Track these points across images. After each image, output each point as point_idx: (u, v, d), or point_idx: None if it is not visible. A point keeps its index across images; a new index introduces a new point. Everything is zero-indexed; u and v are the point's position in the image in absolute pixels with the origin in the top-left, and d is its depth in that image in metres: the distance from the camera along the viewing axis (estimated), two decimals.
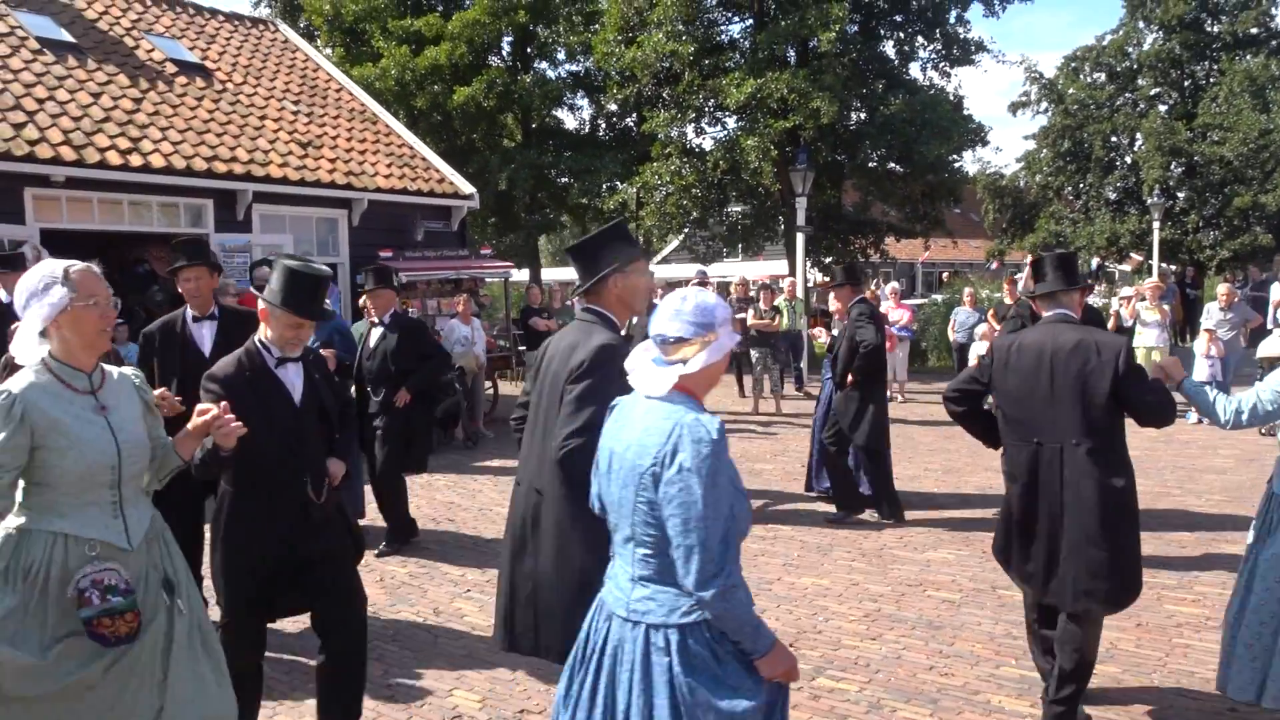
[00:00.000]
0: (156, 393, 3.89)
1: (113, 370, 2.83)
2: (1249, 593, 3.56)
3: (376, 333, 6.45)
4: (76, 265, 2.68)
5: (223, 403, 2.91)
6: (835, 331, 7.51)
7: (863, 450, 6.93)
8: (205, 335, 4.78)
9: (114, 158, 9.72)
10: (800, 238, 16.17)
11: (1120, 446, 3.66)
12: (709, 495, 2.12)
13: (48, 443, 2.58)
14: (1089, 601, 3.59)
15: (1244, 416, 3.58)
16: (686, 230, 21.82)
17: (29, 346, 2.67)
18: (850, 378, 6.77)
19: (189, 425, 2.90)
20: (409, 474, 6.61)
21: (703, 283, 12.18)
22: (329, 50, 21.28)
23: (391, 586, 5.72)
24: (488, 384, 11.59)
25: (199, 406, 2.93)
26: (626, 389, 2.43)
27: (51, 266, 2.65)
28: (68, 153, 9.37)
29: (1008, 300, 11.94)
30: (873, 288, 14.02)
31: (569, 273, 33.77)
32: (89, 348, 2.70)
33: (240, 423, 2.87)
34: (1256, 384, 3.68)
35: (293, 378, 3.39)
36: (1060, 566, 3.64)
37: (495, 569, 5.97)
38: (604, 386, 2.81)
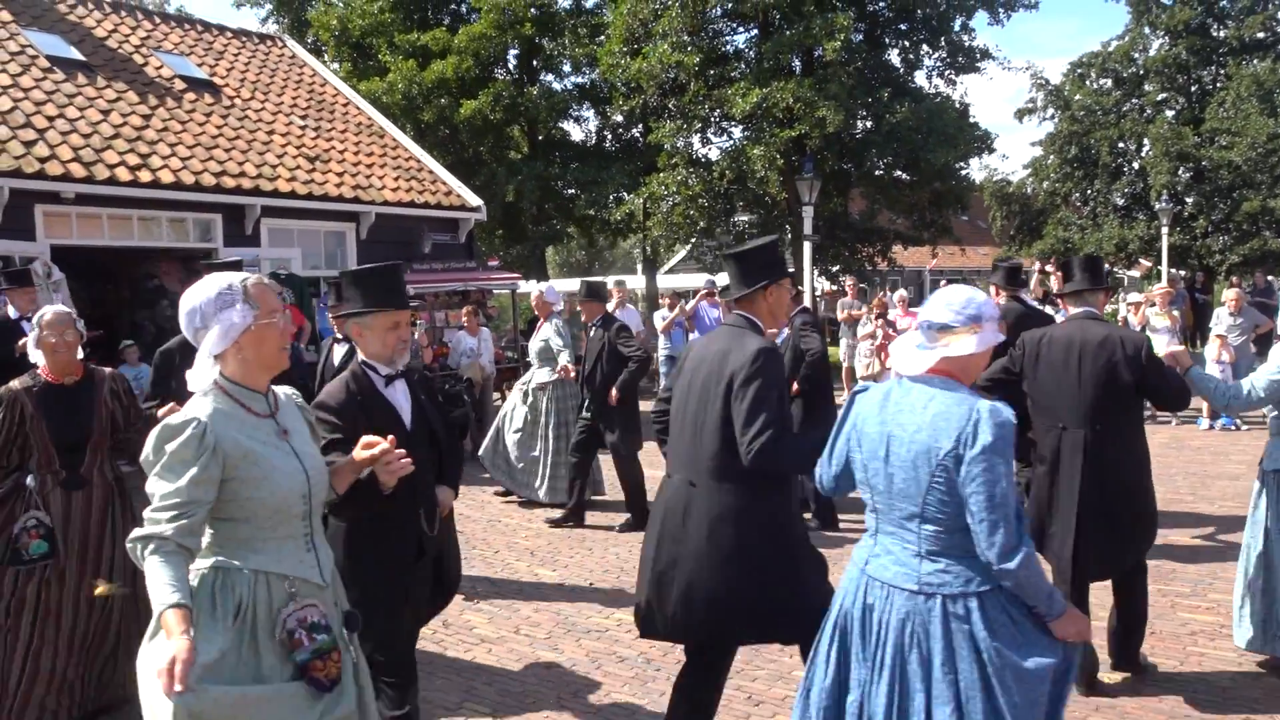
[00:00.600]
0: (167, 409, 3.88)
1: (278, 390, 2.58)
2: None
3: None
4: (250, 278, 2.45)
5: (389, 436, 2.65)
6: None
7: None
8: None
9: (123, 174, 9.78)
10: (807, 246, 16.17)
11: (1139, 430, 4.17)
12: (1009, 473, 2.33)
13: (240, 473, 2.32)
14: (1116, 568, 4.11)
15: (1239, 401, 4.07)
16: (693, 240, 21.84)
17: (205, 370, 2.41)
18: (795, 386, 6.82)
19: (352, 456, 2.66)
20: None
21: (711, 293, 12.17)
22: (336, 65, 21.40)
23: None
24: (496, 395, 11.60)
25: (365, 439, 2.64)
26: (786, 388, 2.78)
27: (225, 280, 2.41)
28: (78, 169, 9.44)
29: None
30: (880, 295, 14.00)
31: (575, 284, 33.78)
32: (269, 369, 2.47)
33: (409, 459, 2.63)
34: (1251, 373, 4.18)
35: (400, 399, 3.23)
36: (1087, 538, 4.00)
37: (506, 580, 5.99)
38: (773, 386, 3.06)
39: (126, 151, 10.08)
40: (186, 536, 2.21)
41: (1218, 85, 27.23)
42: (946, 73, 19.89)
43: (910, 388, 2.53)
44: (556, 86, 22.29)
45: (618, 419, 7.14)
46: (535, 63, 21.99)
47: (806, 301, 14.28)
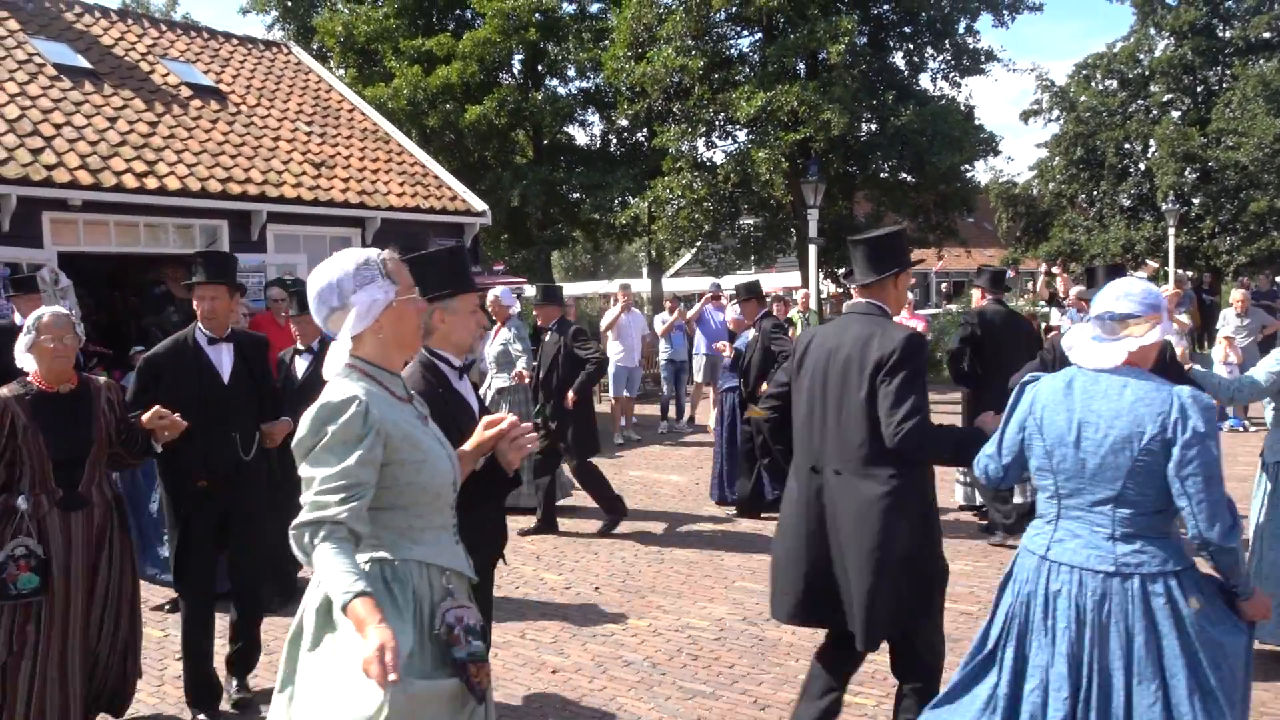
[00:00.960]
0: (152, 411, 3.75)
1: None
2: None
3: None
4: (384, 253, 2.30)
5: (512, 414, 2.55)
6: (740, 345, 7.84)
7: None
8: (224, 359, 4.29)
9: (130, 181, 9.82)
10: (813, 249, 16.15)
11: None
12: (1219, 456, 2.45)
13: (401, 456, 2.17)
14: None
15: (1243, 393, 4.33)
16: (699, 244, 21.83)
17: (343, 350, 2.24)
18: (765, 386, 6.96)
19: (473, 441, 2.50)
20: None
21: (716, 296, 12.17)
22: (341, 71, 21.47)
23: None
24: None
25: (487, 419, 2.52)
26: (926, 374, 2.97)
27: (361, 255, 2.25)
28: (84, 177, 9.48)
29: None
30: None
31: (581, 288, 33.82)
32: (407, 349, 2.35)
33: (535, 435, 2.54)
34: (1252, 369, 4.42)
35: (470, 393, 3.12)
36: None
37: (511, 584, 5.98)
38: (921, 373, 3.13)
39: (133, 158, 10.12)
40: (358, 521, 2.06)
41: (1224, 85, 27.13)
42: (951, 75, 19.85)
43: (1097, 376, 2.61)
44: (561, 91, 22.35)
45: (573, 422, 7.09)
46: (540, 67, 22.03)
47: (812, 304, 14.27)
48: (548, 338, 7.28)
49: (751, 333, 7.34)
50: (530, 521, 7.38)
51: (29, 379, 3.64)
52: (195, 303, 4.29)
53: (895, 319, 3.35)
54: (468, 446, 2.49)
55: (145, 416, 3.77)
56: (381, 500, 2.16)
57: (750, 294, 7.53)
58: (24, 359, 3.64)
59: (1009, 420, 2.81)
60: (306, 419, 2.14)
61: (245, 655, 4.37)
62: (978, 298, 7.19)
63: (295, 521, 2.06)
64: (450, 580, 2.26)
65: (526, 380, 7.63)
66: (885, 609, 3.10)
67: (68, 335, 3.62)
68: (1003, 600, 2.75)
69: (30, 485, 3.54)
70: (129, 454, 3.85)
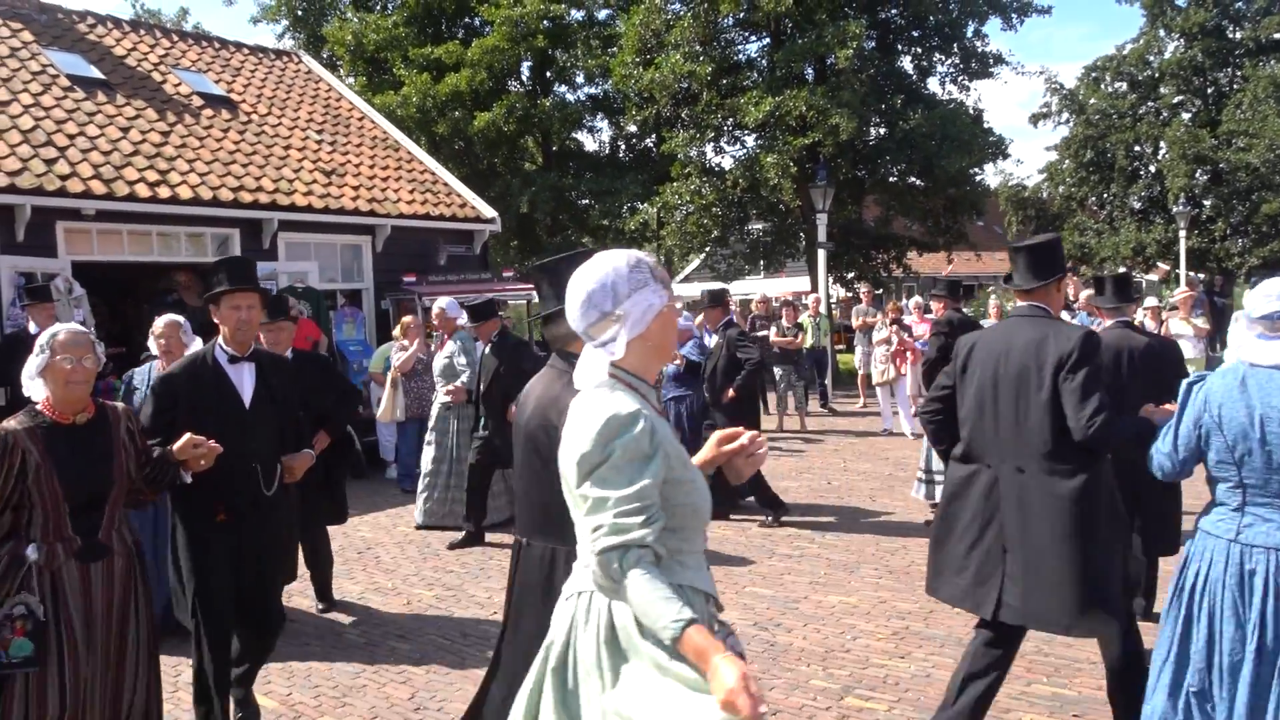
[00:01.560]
0: (185, 439, 3.35)
1: None
2: None
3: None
4: (642, 254, 2.14)
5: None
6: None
7: None
8: (245, 380, 3.84)
9: (143, 190, 9.89)
10: (822, 254, 16.15)
11: None
12: None
13: (675, 475, 2.02)
14: None
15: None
16: (708, 249, 21.84)
17: (602, 359, 2.08)
18: (731, 392, 7.33)
19: (707, 456, 2.34)
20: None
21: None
22: (351, 79, 21.59)
23: (446, 587, 5.74)
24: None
25: (723, 433, 2.35)
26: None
27: (631, 256, 2.10)
28: (98, 186, 9.55)
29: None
30: (895, 302, 13.95)
31: None
32: (664, 359, 2.20)
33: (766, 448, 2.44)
34: None
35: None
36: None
37: None
38: (1101, 369, 3.32)
39: (145, 168, 10.20)
40: (660, 543, 1.90)
41: (1234, 87, 27.04)
42: (960, 79, 19.83)
43: (1271, 374, 2.84)
44: (570, 98, 22.43)
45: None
46: (548, 74, 22.13)
47: (822, 309, 14.26)
48: (487, 350, 7.05)
49: (714, 339, 7.62)
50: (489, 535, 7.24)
51: (38, 407, 3.08)
52: (223, 314, 3.82)
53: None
54: (699, 461, 2.30)
55: (177, 446, 3.36)
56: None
57: (715, 301, 7.79)
58: (33, 385, 3.09)
59: (1182, 418, 3.03)
60: (588, 435, 1.96)
61: (248, 674, 4.11)
62: (937, 308, 7.71)
63: (600, 547, 1.90)
64: (712, 605, 2.12)
65: (464, 399, 7.48)
66: (1087, 595, 3.24)
67: (87, 357, 3.08)
68: (1189, 585, 2.97)
69: (42, 534, 2.99)
70: (151, 490, 3.39)
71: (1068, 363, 3.26)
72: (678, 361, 7.94)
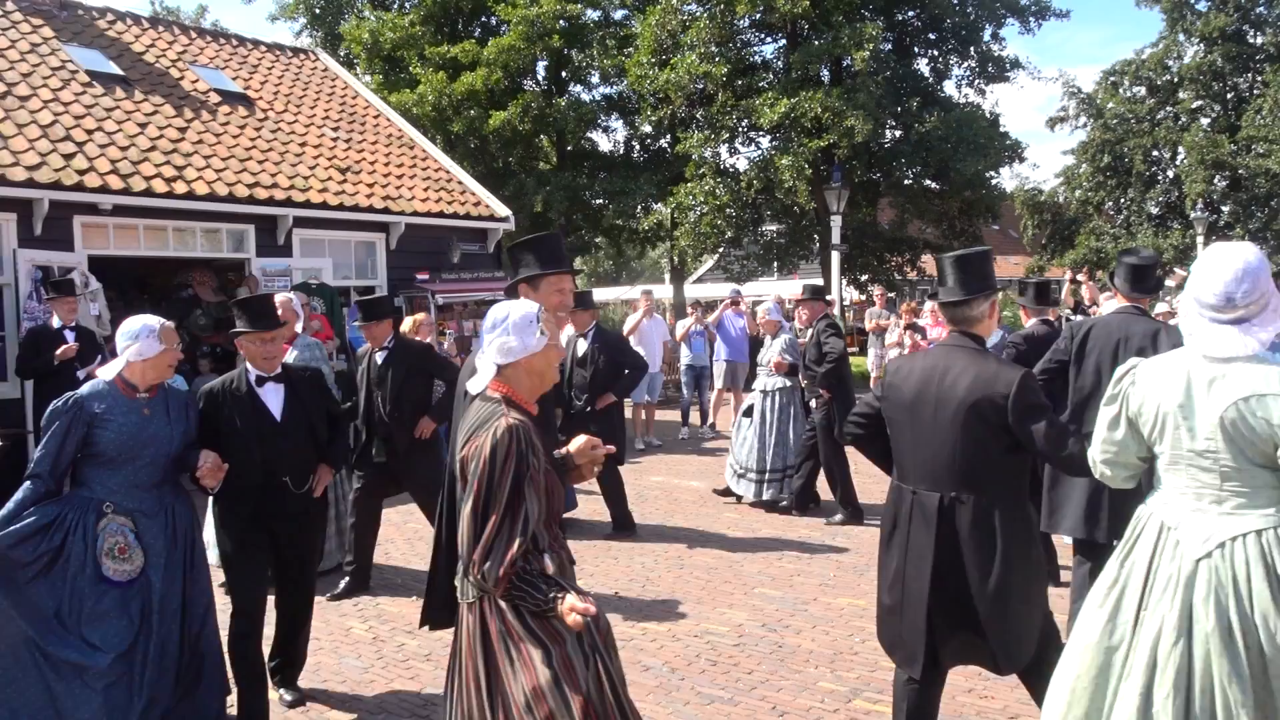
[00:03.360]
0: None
1: None
2: None
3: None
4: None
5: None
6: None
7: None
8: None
9: (159, 185, 9.96)
10: (836, 256, 16.12)
11: None
12: None
13: None
14: None
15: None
16: (721, 250, 21.83)
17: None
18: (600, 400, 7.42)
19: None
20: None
21: (735, 302, 12.15)
22: (367, 77, 21.67)
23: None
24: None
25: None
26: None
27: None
28: (115, 181, 9.62)
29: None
30: (909, 304, 13.90)
31: (604, 293, 33.86)
32: None
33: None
34: None
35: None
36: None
37: None
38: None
39: (162, 163, 10.26)
40: None
41: (1254, 92, 26.81)
42: (976, 82, 19.78)
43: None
44: (585, 97, 22.44)
45: (418, 452, 6.07)
46: (564, 74, 22.15)
47: (835, 310, 14.23)
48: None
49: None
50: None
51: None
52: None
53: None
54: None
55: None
56: None
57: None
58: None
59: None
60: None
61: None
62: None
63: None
64: None
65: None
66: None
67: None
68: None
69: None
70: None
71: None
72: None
